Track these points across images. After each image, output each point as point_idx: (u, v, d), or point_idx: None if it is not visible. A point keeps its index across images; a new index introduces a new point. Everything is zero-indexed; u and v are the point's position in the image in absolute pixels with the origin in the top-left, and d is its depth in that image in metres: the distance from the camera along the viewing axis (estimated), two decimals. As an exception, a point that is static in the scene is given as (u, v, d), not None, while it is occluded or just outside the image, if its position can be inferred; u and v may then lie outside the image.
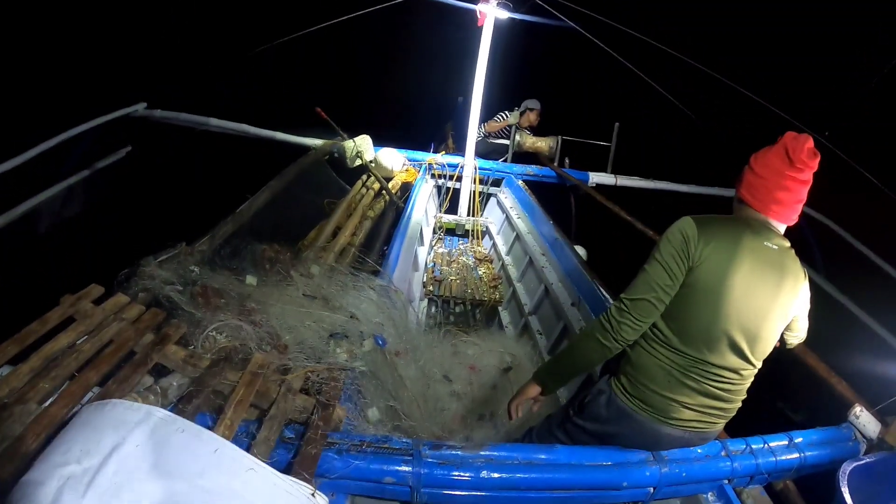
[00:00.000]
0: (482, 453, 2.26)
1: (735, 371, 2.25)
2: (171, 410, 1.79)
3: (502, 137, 8.99)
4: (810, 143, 2.20)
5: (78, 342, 2.23)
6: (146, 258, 2.99)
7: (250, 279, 3.08)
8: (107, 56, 9.62)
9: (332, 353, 2.67)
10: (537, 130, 8.95)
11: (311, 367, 2.48)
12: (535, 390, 2.51)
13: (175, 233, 3.56)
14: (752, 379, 2.36)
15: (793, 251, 2.29)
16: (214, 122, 6.79)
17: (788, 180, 2.21)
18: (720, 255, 2.13)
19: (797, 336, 2.58)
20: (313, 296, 3.08)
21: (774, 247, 2.21)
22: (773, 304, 2.22)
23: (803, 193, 2.26)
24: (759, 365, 2.32)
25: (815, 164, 2.21)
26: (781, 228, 2.32)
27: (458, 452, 2.23)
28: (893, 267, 5.76)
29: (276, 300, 2.88)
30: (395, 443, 2.22)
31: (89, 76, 8.77)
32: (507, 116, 8.85)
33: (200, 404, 2.04)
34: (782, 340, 2.53)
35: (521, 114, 8.87)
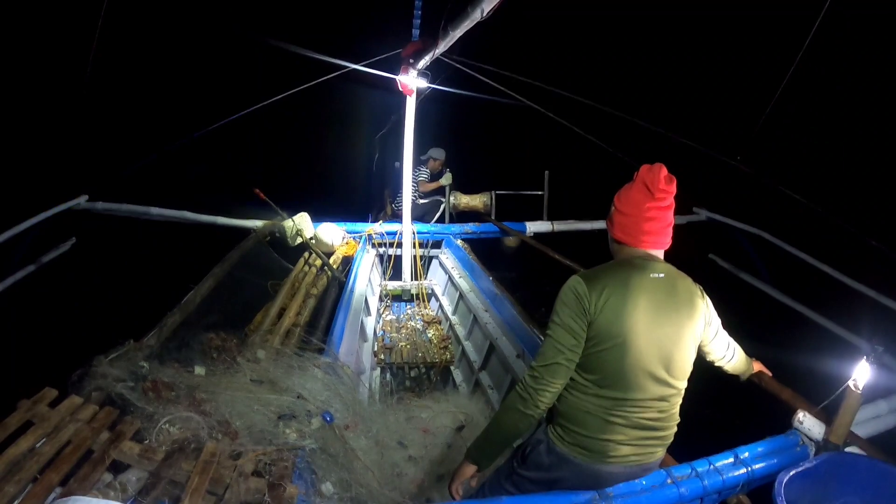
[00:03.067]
0: (432, 515, 2.36)
1: (661, 399, 2.35)
2: (131, 504, 1.91)
3: (432, 196, 9.29)
4: (664, 171, 2.35)
5: (37, 445, 2.32)
6: (97, 357, 3.08)
7: (199, 370, 3.17)
8: (43, 149, 9.62)
9: (282, 435, 2.76)
10: (470, 188, 9.18)
11: (262, 450, 2.57)
12: (470, 470, 2.56)
13: (124, 326, 3.66)
14: (679, 401, 2.46)
15: (678, 273, 2.43)
16: (155, 210, 6.82)
17: (652, 211, 2.35)
18: (615, 302, 2.25)
19: (728, 353, 2.74)
20: (260, 380, 3.17)
21: (661, 275, 2.35)
22: (678, 327, 2.34)
23: (669, 217, 2.41)
24: (683, 385, 2.43)
25: (673, 188, 2.36)
26: (660, 254, 2.45)
27: (408, 517, 2.33)
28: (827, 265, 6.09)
29: (224, 388, 2.98)
30: (347, 515, 2.30)
31: (26, 170, 8.77)
32: (427, 173, 9.21)
33: (158, 495, 2.15)
34: (718, 364, 2.73)
35: (425, 162, 9.22)
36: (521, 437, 2.54)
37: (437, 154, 9.23)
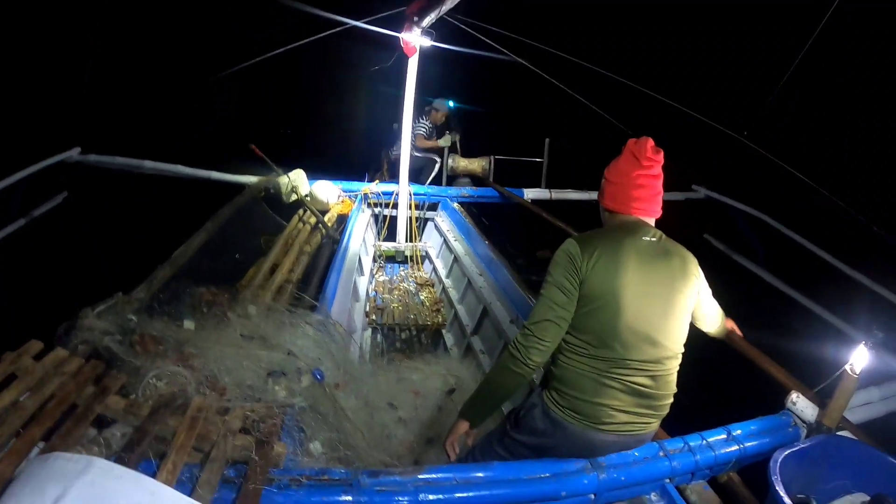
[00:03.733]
0: (420, 476, 2.30)
1: (655, 361, 2.36)
2: (114, 460, 1.86)
3: (430, 152, 9.18)
4: (650, 142, 2.45)
5: (21, 399, 2.27)
6: (84, 310, 3.04)
7: (188, 324, 3.14)
8: (35, 100, 9.50)
9: (271, 392, 2.74)
10: (469, 152, 9.10)
11: (250, 406, 2.54)
12: (464, 426, 2.60)
13: (114, 279, 3.62)
14: (675, 369, 2.47)
15: (668, 239, 2.48)
16: (149, 164, 6.75)
17: (641, 178, 2.44)
18: (606, 261, 2.29)
19: (713, 318, 2.78)
20: (251, 336, 3.14)
21: (653, 238, 2.41)
22: (671, 290, 2.37)
23: (658, 186, 2.49)
24: (677, 351, 2.44)
25: (660, 158, 2.46)
26: (651, 222, 2.51)
27: (397, 478, 2.26)
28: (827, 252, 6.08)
29: (214, 343, 2.94)
30: (335, 474, 2.25)
31: (18, 122, 8.66)
32: (426, 126, 9.07)
33: (143, 451, 2.10)
34: (702, 328, 2.76)
35: (427, 113, 9.08)
36: (511, 396, 2.59)
37: (440, 105, 9.08)
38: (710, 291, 2.66)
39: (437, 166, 9.02)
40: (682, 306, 2.42)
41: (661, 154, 2.46)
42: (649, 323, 2.32)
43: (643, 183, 2.45)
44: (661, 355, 2.37)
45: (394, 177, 7.67)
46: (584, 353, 2.36)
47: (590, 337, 2.34)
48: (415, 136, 8.66)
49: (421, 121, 8.96)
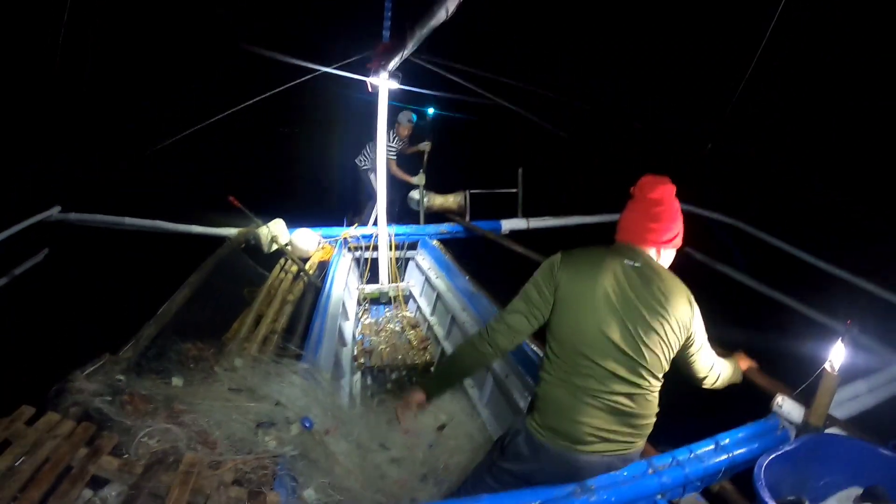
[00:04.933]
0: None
1: (632, 384, 2.42)
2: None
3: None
4: (657, 178, 2.63)
5: (16, 464, 2.32)
6: (74, 372, 3.07)
7: (176, 381, 3.18)
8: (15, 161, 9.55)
9: (261, 442, 2.78)
10: (443, 188, 9.14)
11: (242, 459, 2.59)
12: (418, 396, 2.73)
13: (101, 338, 3.66)
14: (656, 390, 2.53)
15: (662, 269, 2.56)
16: (129, 220, 6.78)
17: (630, 208, 2.65)
18: (578, 271, 2.47)
19: (712, 375, 2.76)
20: (239, 388, 3.18)
21: (636, 264, 2.49)
22: (649, 317, 2.41)
23: (650, 219, 2.58)
24: (655, 373, 2.48)
25: (656, 194, 2.59)
26: (650, 252, 2.59)
27: (392, 517, 2.34)
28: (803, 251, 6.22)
29: (202, 398, 2.99)
30: (329, 519, 2.31)
31: None
32: (395, 148, 9.15)
33: (139, 509, 2.17)
34: (704, 384, 2.78)
35: (394, 128, 9.12)
36: (468, 375, 2.99)
37: (403, 119, 9.11)
38: (706, 339, 2.66)
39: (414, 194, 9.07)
40: (663, 336, 2.44)
41: (660, 188, 2.59)
42: (623, 344, 2.39)
43: (632, 210, 2.63)
44: (637, 373, 2.42)
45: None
46: (559, 367, 2.47)
47: (562, 344, 2.47)
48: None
49: (389, 146, 8.87)
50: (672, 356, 2.53)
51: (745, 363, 3.14)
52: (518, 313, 2.55)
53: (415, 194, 8.79)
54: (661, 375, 2.52)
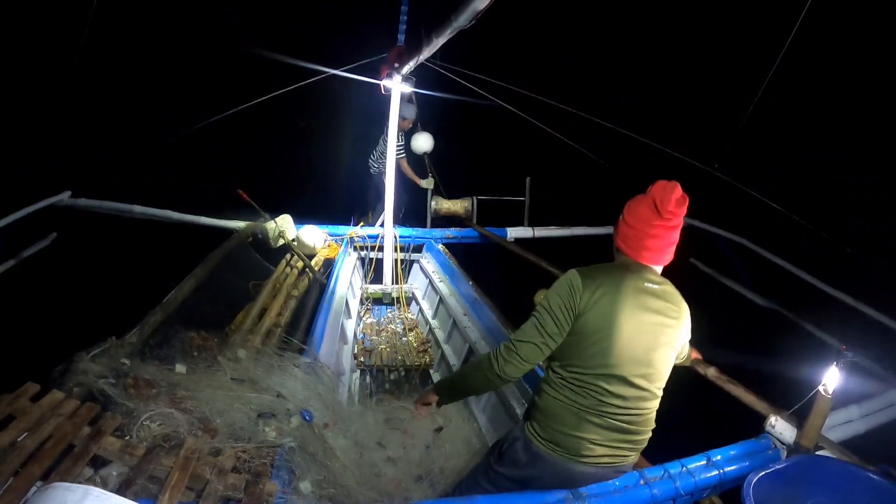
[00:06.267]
0: (409, 512, 2.39)
1: (636, 402, 2.42)
2: (111, 498, 1.94)
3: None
4: (678, 192, 2.41)
5: (19, 439, 2.34)
6: (79, 353, 3.11)
7: (180, 367, 3.21)
8: (26, 143, 9.57)
9: (261, 433, 2.81)
10: (451, 193, 9.15)
11: (241, 447, 2.62)
12: (433, 398, 2.83)
13: (106, 323, 3.69)
14: (655, 408, 2.54)
15: (671, 286, 2.53)
16: (138, 209, 6.84)
17: (657, 229, 2.44)
18: (606, 300, 2.33)
19: (684, 353, 2.87)
20: (241, 379, 3.21)
21: (654, 286, 2.44)
22: (661, 336, 2.42)
23: (674, 237, 2.50)
24: (658, 393, 2.50)
25: (682, 211, 2.43)
26: (658, 269, 2.56)
27: (386, 515, 2.36)
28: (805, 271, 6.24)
29: (205, 386, 3.01)
30: (323, 513, 2.33)
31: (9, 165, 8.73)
32: (399, 145, 8.89)
33: (139, 490, 2.19)
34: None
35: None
36: (478, 395, 2.74)
37: (407, 112, 8.70)
38: (689, 337, 2.70)
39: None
40: (668, 352, 2.48)
41: (685, 206, 2.43)
42: (636, 365, 2.38)
43: (658, 234, 2.45)
44: (642, 395, 2.43)
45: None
46: (568, 388, 2.43)
47: (576, 373, 2.41)
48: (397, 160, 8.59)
49: (398, 141, 8.60)
50: (672, 362, 2.57)
51: (694, 353, 3.21)
52: (531, 343, 2.40)
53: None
54: (661, 390, 2.54)
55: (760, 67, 4.67)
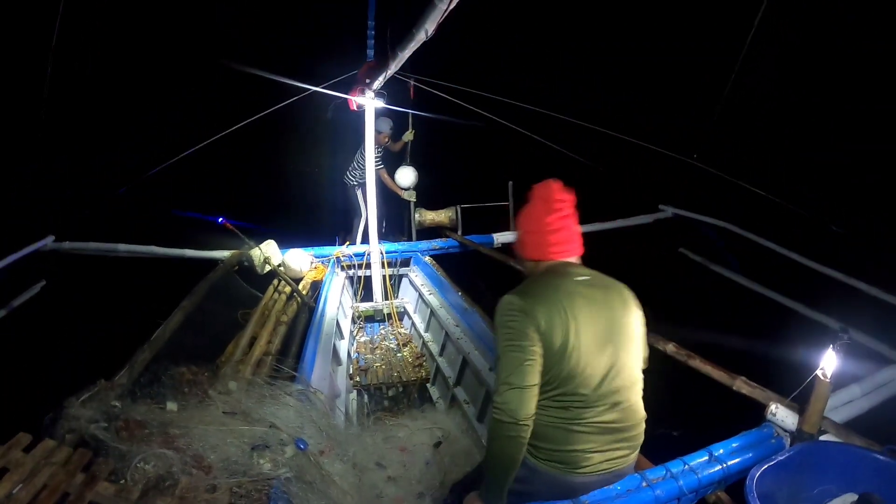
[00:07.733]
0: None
1: (617, 395, 2.39)
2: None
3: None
4: (556, 184, 2.51)
5: (14, 491, 2.34)
6: (69, 399, 3.10)
7: (171, 405, 3.21)
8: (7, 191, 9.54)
9: (256, 465, 2.80)
10: (434, 203, 9.17)
11: (237, 481, 2.62)
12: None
13: (96, 365, 3.68)
14: (639, 394, 2.50)
15: (597, 273, 2.51)
16: (123, 247, 6.81)
17: (555, 223, 2.48)
18: (553, 311, 2.28)
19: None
20: (233, 412, 3.21)
21: (585, 277, 2.44)
22: (618, 322, 2.41)
23: (573, 225, 2.53)
24: (637, 377, 2.49)
25: (569, 197, 2.50)
26: (576, 261, 2.56)
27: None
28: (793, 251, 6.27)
29: (197, 422, 3.01)
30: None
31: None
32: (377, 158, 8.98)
33: (136, 534, 2.19)
34: None
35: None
36: (518, 462, 2.38)
37: (382, 126, 8.76)
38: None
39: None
40: (631, 335, 2.46)
41: (572, 193, 2.50)
42: (604, 361, 2.35)
43: (558, 226, 2.48)
44: (622, 387, 2.40)
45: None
46: (551, 407, 2.38)
47: (554, 388, 2.35)
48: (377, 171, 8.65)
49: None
50: (641, 347, 2.55)
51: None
52: (519, 368, 2.26)
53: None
54: (640, 373, 2.53)
55: (730, 63, 4.71)
